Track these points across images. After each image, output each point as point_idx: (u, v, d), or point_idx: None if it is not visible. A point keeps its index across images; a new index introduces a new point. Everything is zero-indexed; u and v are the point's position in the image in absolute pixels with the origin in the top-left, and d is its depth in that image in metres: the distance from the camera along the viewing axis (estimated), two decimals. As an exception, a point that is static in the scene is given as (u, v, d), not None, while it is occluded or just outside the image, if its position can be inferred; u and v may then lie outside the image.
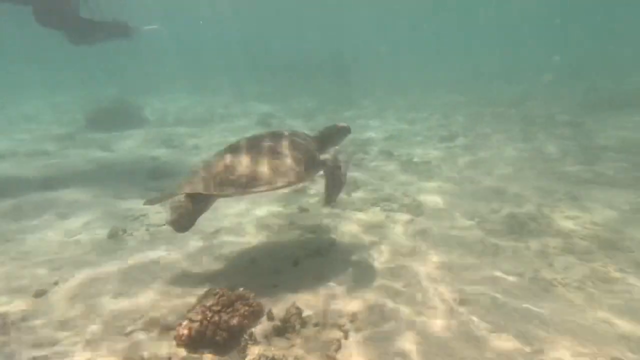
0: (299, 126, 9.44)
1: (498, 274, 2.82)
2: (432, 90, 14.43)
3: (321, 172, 2.81)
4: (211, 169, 2.54)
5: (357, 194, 4.57)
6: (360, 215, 3.96)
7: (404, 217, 3.88)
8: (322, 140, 2.94)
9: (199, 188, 2.48)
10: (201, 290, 2.52)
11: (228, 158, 2.55)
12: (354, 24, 36.48)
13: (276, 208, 4.21)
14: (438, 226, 3.65)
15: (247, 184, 2.45)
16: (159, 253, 3.20)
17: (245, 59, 24.21)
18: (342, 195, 4.39)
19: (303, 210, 4.12)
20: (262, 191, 2.51)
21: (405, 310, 2.41)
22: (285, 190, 4.43)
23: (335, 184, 2.75)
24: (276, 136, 2.73)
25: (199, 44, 34.60)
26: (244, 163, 2.50)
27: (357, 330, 2.24)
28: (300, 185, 4.37)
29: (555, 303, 2.47)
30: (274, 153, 2.56)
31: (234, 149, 2.63)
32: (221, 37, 35.75)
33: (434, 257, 3.08)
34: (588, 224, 3.58)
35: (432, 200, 4.34)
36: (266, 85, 17.45)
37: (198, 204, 2.55)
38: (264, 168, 2.49)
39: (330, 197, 2.81)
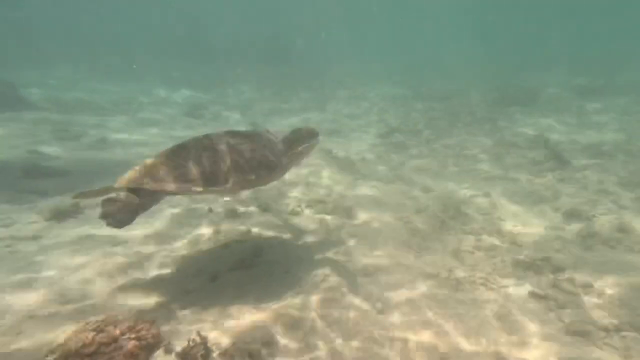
0: (236, 119, 9.10)
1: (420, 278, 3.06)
2: (377, 81, 14.85)
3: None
4: (161, 164, 2.42)
5: (293, 194, 4.56)
6: (294, 220, 3.96)
7: (337, 220, 3.96)
8: (289, 142, 2.92)
9: (145, 182, 2.35)
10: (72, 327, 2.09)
11: (183, 154, 2.47)
12: (308, 7, 35.49)
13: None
14: (368, 228, 3.81)
15: (203, 182, 2.39)
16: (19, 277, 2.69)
17: (181, 40, 22.33)
18: (274, 202, 4.37)
19: (232, 215, 3.93)
20: (217, 192, 2.45)
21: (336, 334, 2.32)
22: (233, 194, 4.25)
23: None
24: (243, 137, 2.69)
25: (132, 22, 30.93)
26: (200, 161, 2.43)
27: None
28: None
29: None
30: (236, 154, 2.53)
31: (192, 145, 2.55)
32: (158, 15, 32.34)
33: (364, 259, 3.20)
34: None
35: (366, 200, 4.52)
36: (203, 70, 16.42)
37: (142, 198, 2.42)
38: (223, 167, 2.44)
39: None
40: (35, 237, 3.31)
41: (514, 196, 4.67)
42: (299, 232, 3.68)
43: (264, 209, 4.06)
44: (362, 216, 4.09)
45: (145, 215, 2.61)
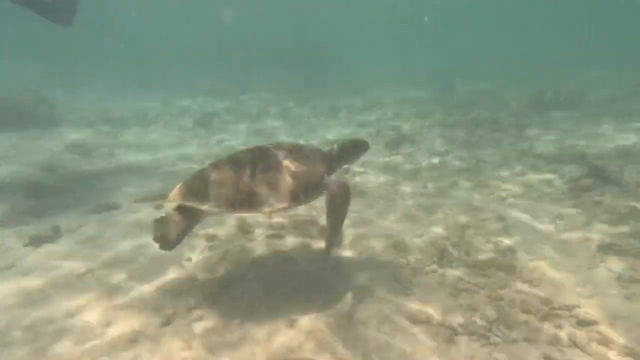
0: (242, 129, 8.81)
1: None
2: (395, 84, 14.14)
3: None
4: (208, 182, 2.36)
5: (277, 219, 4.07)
6: (276, 242, 3.46)
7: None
8: (335, 158, 2.69)
9: (190, 200, 2.33)
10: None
11: (225, 172, 2.39)
12: (333, 15, 35.50)
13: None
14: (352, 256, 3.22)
15: (245, 205, 2.30)
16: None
17: (212, 49, 23.04)
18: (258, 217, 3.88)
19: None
20: (265, 212, 2.37)
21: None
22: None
23: (336, 218, 2.48)
24: (281, 151, 2.51)
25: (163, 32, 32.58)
26: (242, 180, 2.34)
27: None
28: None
29: None
30: (274, 171, 2.39)
31: (230, 162, 2.45)
32: (190, 26, 33.84)
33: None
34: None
35: (357, 220, 3.91)
36: (225, 77, 16.66)
37: (189, 218, 2.39)
38: (263, 189, 2.33)
39: (330, 238, 2.57)
40: (9, 267, 3.15)
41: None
42: (278, 260, 3.17)
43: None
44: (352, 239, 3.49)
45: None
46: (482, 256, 3.19)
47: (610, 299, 2.62)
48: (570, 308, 2.51)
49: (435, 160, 5.92)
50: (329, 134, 8.05)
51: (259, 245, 3.47)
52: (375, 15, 36.29)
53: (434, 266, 3.07)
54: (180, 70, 18.47)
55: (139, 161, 6.38)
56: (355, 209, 4.18)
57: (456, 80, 14.22)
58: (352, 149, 2.76)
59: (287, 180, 2.36)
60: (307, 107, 11.06)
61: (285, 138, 7.94)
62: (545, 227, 3.68)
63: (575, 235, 3.49)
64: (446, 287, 2.81)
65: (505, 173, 5.23)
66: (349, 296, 2.71)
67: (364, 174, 5.46)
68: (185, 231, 2.36)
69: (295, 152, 2.51)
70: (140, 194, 4.69)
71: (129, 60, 20.96)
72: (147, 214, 4.10)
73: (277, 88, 14.35)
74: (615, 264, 2.99)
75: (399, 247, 3.37)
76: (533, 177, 5.03)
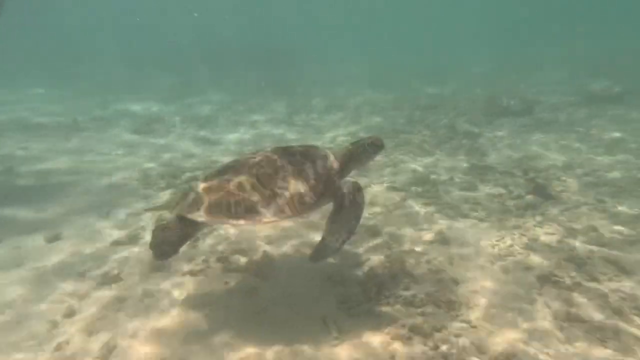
0: (190, 134, 8.23)
1: None
2: (359, 85, 13.94)
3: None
4: (210, 191, 2.26)
5: (206, 243, 3.66)
6: (187, 280, 3.06)
7: (248, 283, 3.05)
8: (348, 159, 2.52)
9: (190, 212, 2.21)
10: None
11: (229, 180, 2.28)
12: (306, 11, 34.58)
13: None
14: (282, 292, 2.89)
15: (246, 215, 2.18)
16: None
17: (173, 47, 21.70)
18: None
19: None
20: (268, 222, 2.25)
21: None
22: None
23: (343, 225, 2.36)
24: (285, 154, 2.40)
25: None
26: (244, 188, 2.22)
27: None
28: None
29: None
30: (281, 178, 2.27)
31: (235, 168, 2.34)
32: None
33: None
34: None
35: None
36: (180, 77, 15.74)
37: (186, 228, 2.31)
38: (267, 197, 2.21)
39: (327, 246, 2.40)
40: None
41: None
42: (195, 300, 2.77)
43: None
44: (281, 274, 3.15)
45: None
46: (420, 289, 2.98)
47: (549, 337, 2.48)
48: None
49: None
50: (285, 141, 7.68)
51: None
52: (347, 11, 36.04)
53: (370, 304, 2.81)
54: (132, 69, 17.19)
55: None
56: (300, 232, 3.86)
57: (421, 82, 14.28)
58: (366, 149, 2.54)
59: (294, 187, 2.26)
60: (264, 111, 10.61)
61: (235, 147, 7.48)
62: (489, 250, 3.55)
63: (515, 261, 3.37)
64: (380, 332, 2.56)
65: (458, 192, 5.05)
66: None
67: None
68: (180, 242, 2.32)
69: (303, 155, 2.41)
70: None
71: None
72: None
73: (235, 89, 13.74)
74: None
75: (333, 278, 3.09)
76: (483, 190, 4.95)
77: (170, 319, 2.67)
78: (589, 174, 5.34)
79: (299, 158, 2.39)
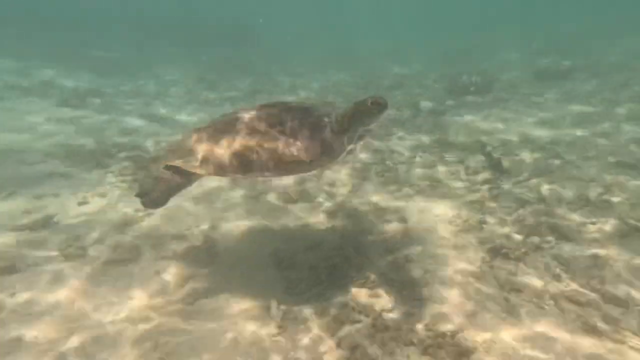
0: (134, 110, 7.68)
1: None
2: (327, 65, 13.62)
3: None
4: (206, 144, 2.24)
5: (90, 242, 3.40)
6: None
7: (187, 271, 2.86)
8: (349, 118, 2.29)
9: (179, 159, 2.23)
10: None
11: (221, 131, 2.26)
12: None
13: None
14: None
15: (247, 168, 2.17)
16: None
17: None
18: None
19: None
20: (266, 177, 2.27)
21: None
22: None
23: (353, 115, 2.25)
24: (284, 110, 2.29)
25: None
26: (243, 142, 2.18)
27: None
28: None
29: None
30: (282, 132, 2.19)
31: (234, 121, 2.27)
32: None
33: None
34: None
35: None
36: (137, 52, 14.67)
37: (178, 178, 2.31)
38: (262, 150, 2.16)
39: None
40: None
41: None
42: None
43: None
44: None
45: None
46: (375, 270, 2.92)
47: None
48: None
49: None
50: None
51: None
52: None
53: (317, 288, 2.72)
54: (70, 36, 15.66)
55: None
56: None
57: (387, 62, 14.16)
58: (369, 108, 2.29)
59: (290, 140, 2.16)
60: (222, 89, 10.11)
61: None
62: (446, 226, 3.55)
63: (469, 238, 3.39)
64: (328, 315, 2.47)
65: (418, 170, 5.01)
66: None
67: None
68: (172, 191, 2.31)
69: (301, 110, 2.31)
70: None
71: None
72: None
73: (196, 65, 12.99)
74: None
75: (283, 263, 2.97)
76: (442, 169, 4.96)
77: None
78: (543, 147, 5.49)
79: (299, 113, 2.28)
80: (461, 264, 3.00)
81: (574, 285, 2.71)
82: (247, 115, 2.28)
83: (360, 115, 2.26)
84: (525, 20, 21.82)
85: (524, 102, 8.12)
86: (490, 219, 3.64)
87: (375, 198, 4.15)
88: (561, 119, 6.82)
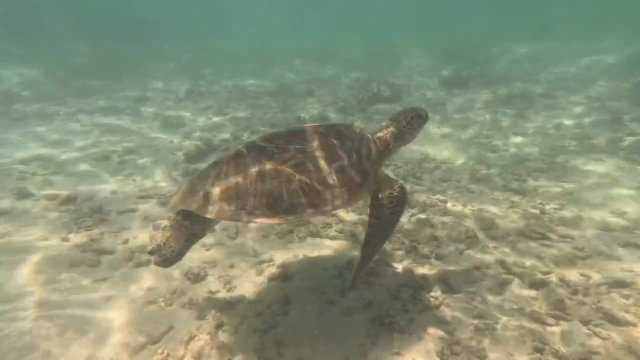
0: None
1: None
2: (237, 68, 12.44)
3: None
4: (222, 185, 1.83)
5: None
6: None
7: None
8: (391, 139, 2.11)
9: (192, 205, 1.82)
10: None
11: (238, 168, 1.87)
12: None
13: None
14: None
15: (261, 212, 1.77)
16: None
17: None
18: None
19: None
20: (289, 222, 1.93)
21: None
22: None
23: (382, 232, 1.98)
24: (315, 136, 1.95)
25: None
26: (262, 181, 1.81)
27: None
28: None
29: None
30: (310, 168, 1.84)
31: (251, 157, 1.89)
32: None
33: None
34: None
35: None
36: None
37: (192, 227, 1.91)
38: (290, 192, 1.79)
39: (361, 266, 2.00)
40: None
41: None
42: None
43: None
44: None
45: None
46: None
47: None
48: None
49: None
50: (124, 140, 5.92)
51: None
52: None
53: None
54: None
55: None
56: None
57: (304, 64, 13.57)
58: (410, 124, 2.16)
59: (325, 178, 1.84)
60: (99, 95, 8.33)
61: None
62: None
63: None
64: None
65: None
66: None
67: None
68: (187, 244, 1.89)
69: (335, 136, 1.96)
70: None
71: None
72: None
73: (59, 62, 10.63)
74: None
75: None
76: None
77: None
78: (444, 162, 5.38)
79: (332, 140, 1.95)
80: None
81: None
82: (278, 141, 1.95)
83: (403, 134, 2.16)
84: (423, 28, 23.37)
85: (430, 109, 8.19)
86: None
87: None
88: (464, 126, 6.96)
